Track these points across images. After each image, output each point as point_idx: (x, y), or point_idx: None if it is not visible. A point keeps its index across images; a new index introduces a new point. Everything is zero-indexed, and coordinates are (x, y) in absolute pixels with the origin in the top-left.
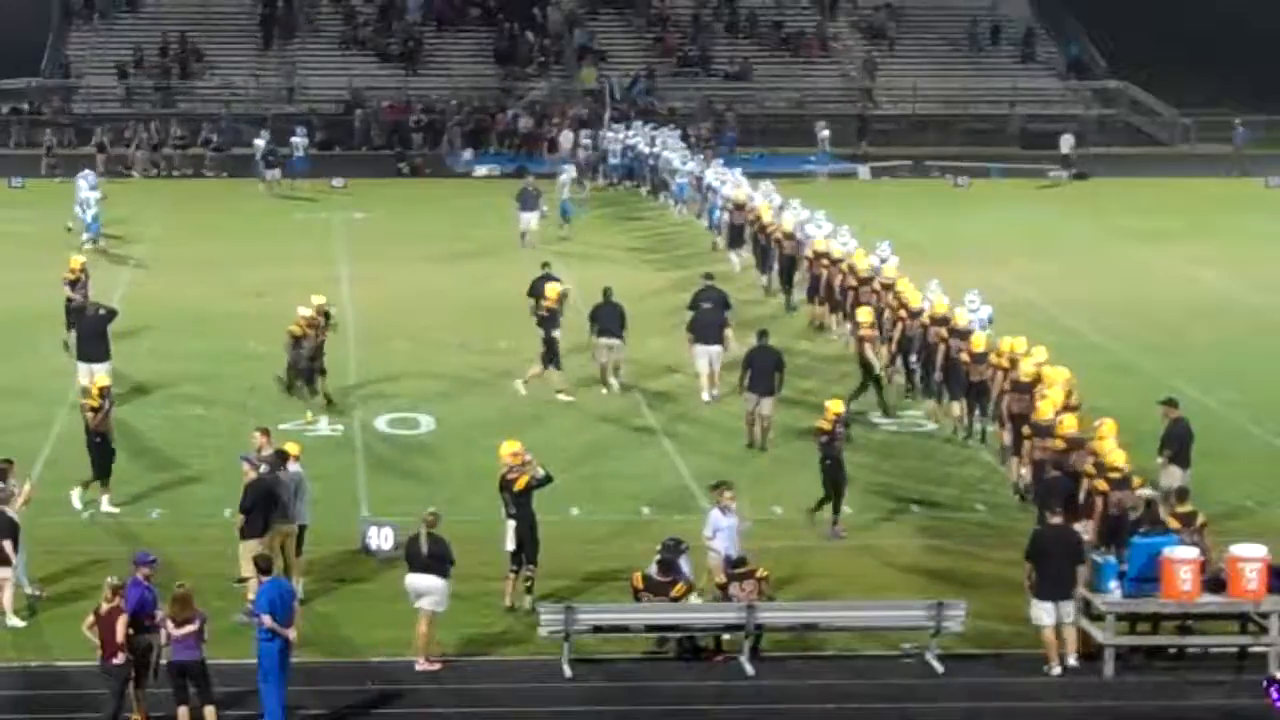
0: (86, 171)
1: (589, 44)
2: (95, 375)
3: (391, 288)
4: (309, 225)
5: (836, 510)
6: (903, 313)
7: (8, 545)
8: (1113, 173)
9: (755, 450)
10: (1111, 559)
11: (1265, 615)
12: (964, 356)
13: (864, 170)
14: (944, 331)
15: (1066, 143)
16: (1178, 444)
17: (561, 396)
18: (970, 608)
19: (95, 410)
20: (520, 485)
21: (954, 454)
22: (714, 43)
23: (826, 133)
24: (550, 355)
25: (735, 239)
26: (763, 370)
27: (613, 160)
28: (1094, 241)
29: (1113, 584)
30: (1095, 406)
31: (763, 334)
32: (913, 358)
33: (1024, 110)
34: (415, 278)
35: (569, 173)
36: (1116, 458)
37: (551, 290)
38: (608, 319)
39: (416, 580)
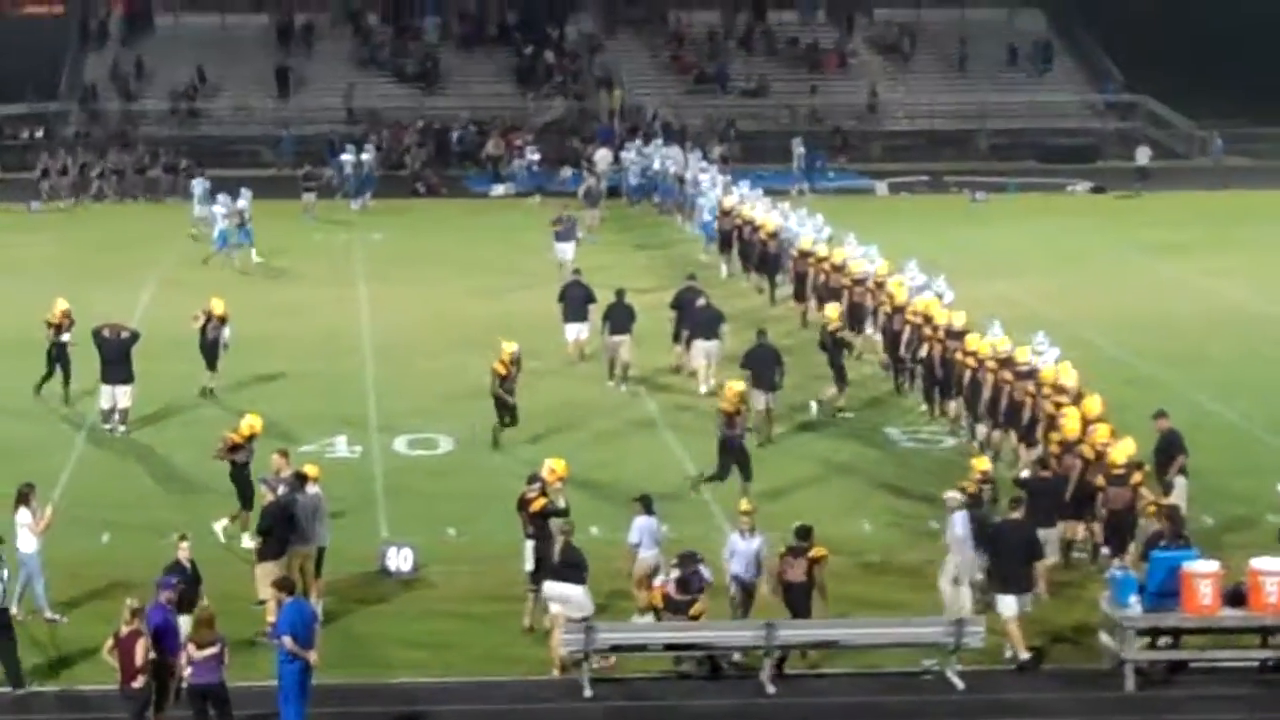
0: (198, 180)
1: (608, 75)
2: (118, 397)
3: (410, 308)
4: (328, 245)
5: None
6: (888, 306)
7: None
8: (1131, 186)
9: (761, 443)
10: (1132, 574)
11: None
12: (959, 356)
13: (881, 185)
14: (940, 332)
15: (1143, 154)
16: (1179, 453)
17: (844, 415)
18: (990, 624)
19: (238, 447)
20: (536, 507)
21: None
22: (731, 60)
23: (802, 150)
24: (842, 376)
25: (724, 244)
26: (763, 368)
27: (632, 180)
28: (1112, 255)
29: (1132, 598)
30: (1114, 420)
31: (762, 332)
32: (905, 354)
33: (1042, 125)
34: (433, 298)
35: (710, 197)
36: (1117, 455)
37: (833, 311)
38: (618, 318)
39: (554, 588)
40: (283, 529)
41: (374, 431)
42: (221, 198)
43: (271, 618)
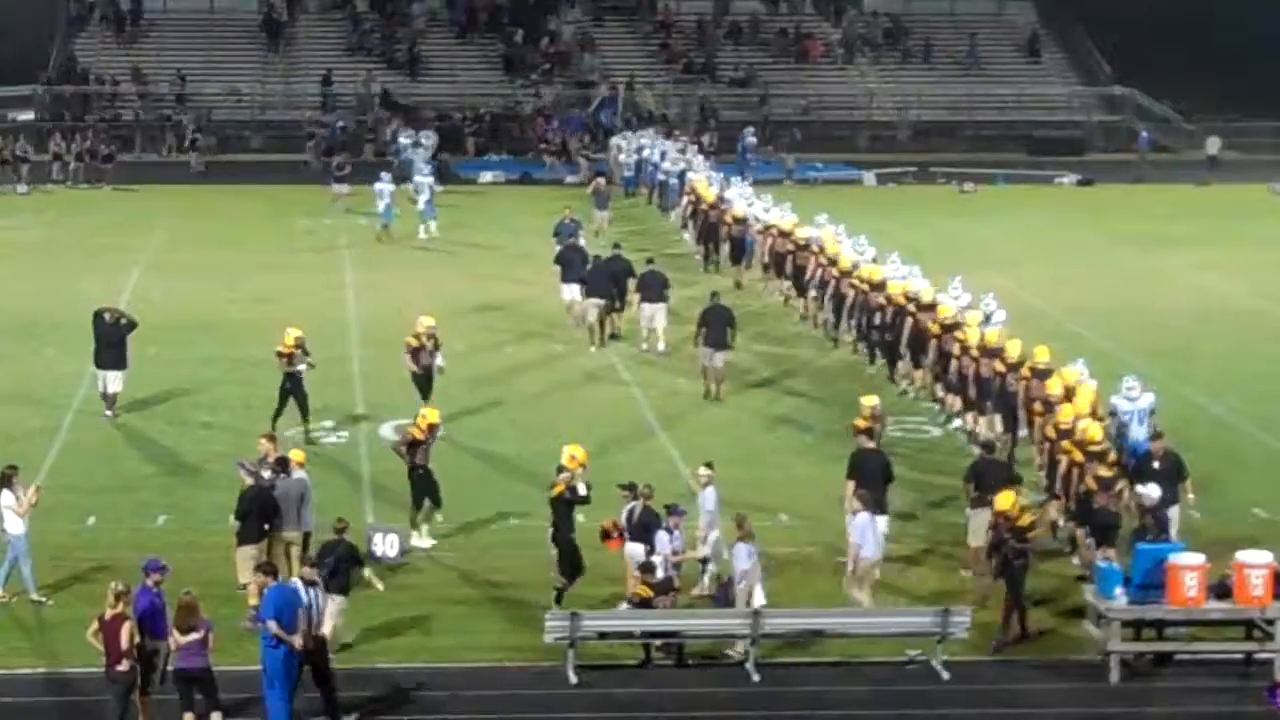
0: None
1: (594, 75)
2: (109, 382)
3: (396, 294)
4: (313, 231)
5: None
6: (835, 271)
7: (367, 572)
8: (1119, 179)
9: (711, 400)
10: (1116, 565)
11: (1271, 622)
12: (931, 326)
13: (869, 176)
14: (911, 305)
15: (1213, 144)
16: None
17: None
18: (975, 614)
19: (416, 444)
20: (556, 492)
21: (956, 457)
22: (719, 49)
23: (753, 139)
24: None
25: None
26: (716, 327)
27: (626, 173)
28: (1100, 247)
29: (1118, 590)
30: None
31: (715, 294)
32: (854, 320)
33: (1029, 117)
34: (420, 283)
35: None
36: (1094, 432)
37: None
38: (596, 280)
39: (632, 548)
40: (260, 513)
41: (360, 417)
42: (385, 175)
43: (254, 601)
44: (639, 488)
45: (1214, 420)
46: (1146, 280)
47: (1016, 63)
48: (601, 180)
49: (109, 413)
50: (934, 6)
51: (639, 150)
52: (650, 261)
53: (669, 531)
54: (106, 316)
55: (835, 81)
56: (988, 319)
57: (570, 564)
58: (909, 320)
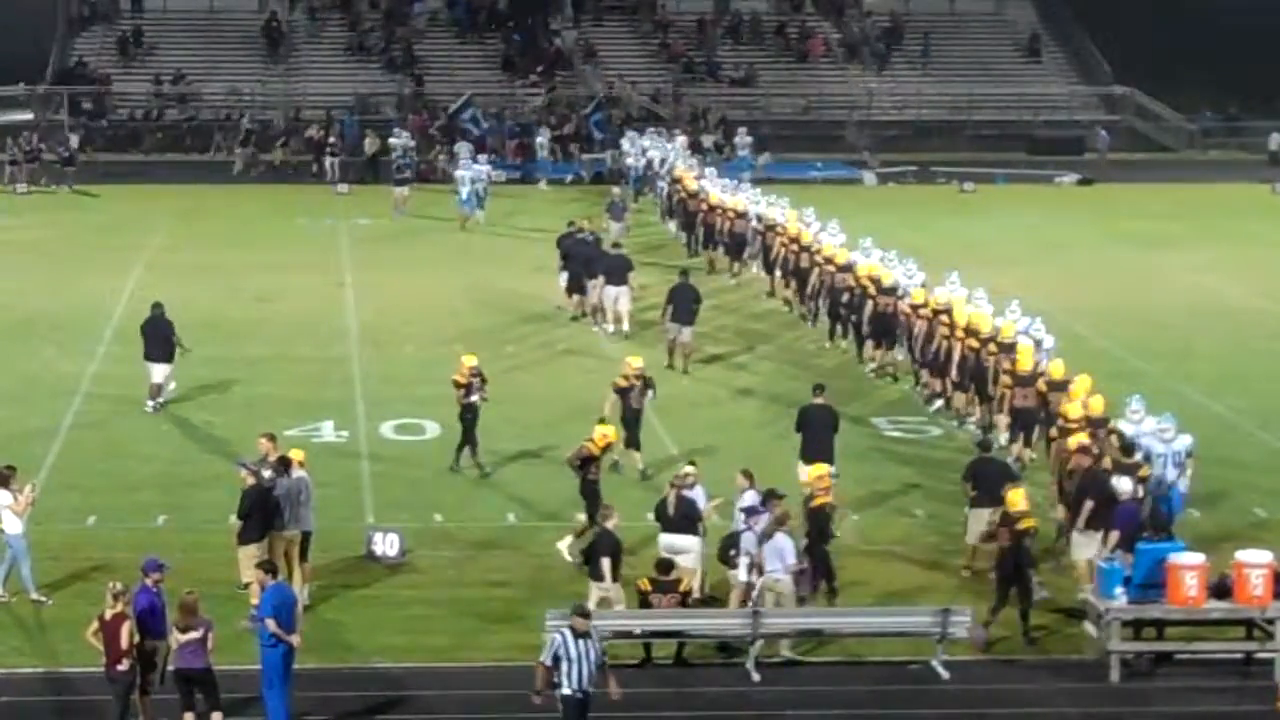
0: (463, 143)
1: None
2: (153, 374)
3: (396, 293)
4: (313, 231)
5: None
6: (794, 246)
7: (606, 563)
8: (1119, 178)
9: (677, 372)
10: (1118, 564)
11: (1271, 621)
12: (904, 308)
13: (869, 176)
14: (870, 286)
15: (1275, 140)
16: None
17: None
18: (976, 614)
19: (591, 459)
20: (816, 504)
21: (957, 457)
22: (719, 49)
23: (750, 139)
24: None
25: (670, 211)
26: (683, 304)
27: (633, 176)
28: (1100, 247)
29: (1118, 590)
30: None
31: (683, 273)
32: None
33: (1029, 116)
34: (419, 283)
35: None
36: (1070, 410)
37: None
38: (597, 264)
39: (670, 540)
40: (262, 513)
41: (361, 416)
42: (465, 162)
43: (255, 600)
44: (674, 477)
45: (1213, 420)
46: (1146, 279)
47: (1016, 62)
48: (617, 190)
49: (151, 403)
50: (933, 6)
51: (644, 153)
52: (616, 246)
53: (750, 531)
54: (156, 311)
55: (835, 81)
56: (1038, 344)
57: (826, 570)
58: (870, 303)
